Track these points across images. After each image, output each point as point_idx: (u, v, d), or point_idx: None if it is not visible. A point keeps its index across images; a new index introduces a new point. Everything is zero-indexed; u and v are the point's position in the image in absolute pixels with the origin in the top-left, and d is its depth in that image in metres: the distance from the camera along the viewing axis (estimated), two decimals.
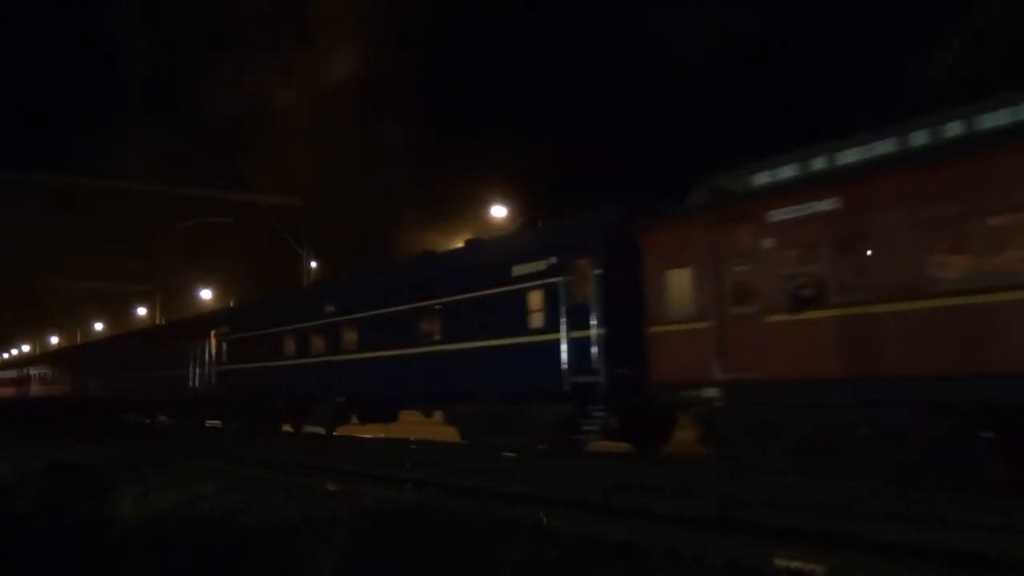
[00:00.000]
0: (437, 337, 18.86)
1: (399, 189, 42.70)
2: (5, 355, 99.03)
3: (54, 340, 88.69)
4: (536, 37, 51.32)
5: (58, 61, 67.22)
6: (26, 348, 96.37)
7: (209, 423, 31.23)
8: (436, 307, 18.88)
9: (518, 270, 16.51)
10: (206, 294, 58.24)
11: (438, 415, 20.25)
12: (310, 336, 23.95)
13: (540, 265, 15.96)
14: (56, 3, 66.48)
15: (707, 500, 9.30)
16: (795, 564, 6.29)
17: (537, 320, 15.92)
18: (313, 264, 38.65)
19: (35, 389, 55.66)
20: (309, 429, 24.84)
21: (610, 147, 38.23)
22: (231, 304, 42.92)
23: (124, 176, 37.55)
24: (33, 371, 58.27)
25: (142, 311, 68.23)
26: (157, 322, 55.42)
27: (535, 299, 15.99)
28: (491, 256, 18.23)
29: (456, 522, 8.44)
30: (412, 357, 19.37)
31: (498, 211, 33.43)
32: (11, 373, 66.47)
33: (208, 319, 31.75)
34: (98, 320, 78.90)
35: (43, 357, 67.45)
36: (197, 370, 30.29)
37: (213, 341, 29.47)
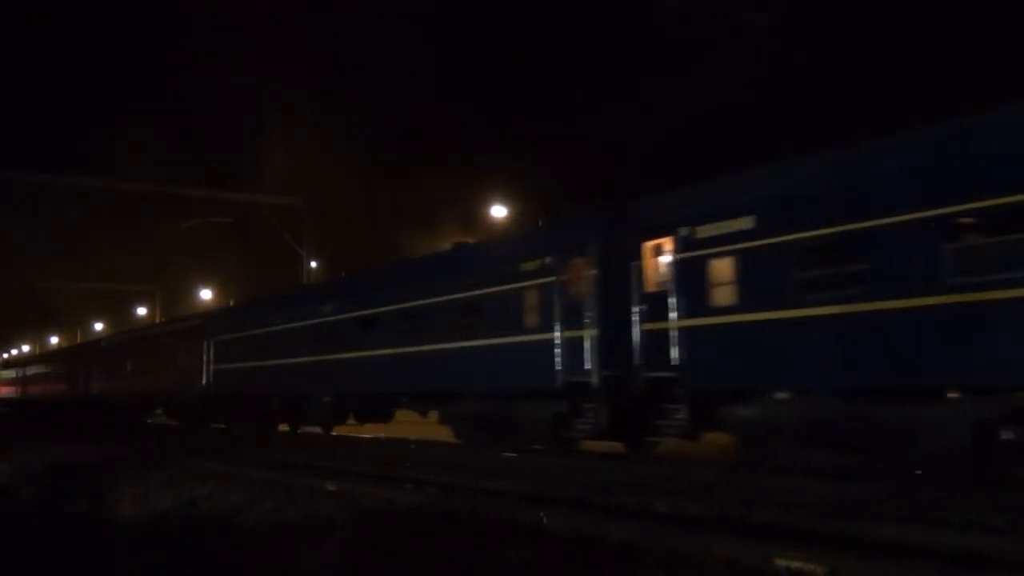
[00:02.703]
0: None
1: (399, 189, 42.62)
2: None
3: (54, 340, 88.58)
4: (536, 36, 51.32)
5: (58, 61, 67.26)
6: (25, 348, 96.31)
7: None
8: None
9: None
10: (206, 294, 58.33)
11: None
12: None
13: None
14: (56, 3, 66.52)
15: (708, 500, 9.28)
16: (795, 564, 6.28)
17: None
18: (313, 264, 38.68)
19: (98, 387, 41.53)
20: None
21: (609, 147, 38.19)
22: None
23: (124, 176, 37.56)
24: (92, 361, 43.04)
25: (142, 311, 68.29)
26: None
27: None
28: None
29: (456, 522, 8.42)
30: None
31: (498, 211, 33.48)
32: (51, 367, 52.88)
33: (569, 224, 16.30)
34: (98, 320, 78.98)
35: (117, 341, 43.58)
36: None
37: (582, 272, 14.62)
